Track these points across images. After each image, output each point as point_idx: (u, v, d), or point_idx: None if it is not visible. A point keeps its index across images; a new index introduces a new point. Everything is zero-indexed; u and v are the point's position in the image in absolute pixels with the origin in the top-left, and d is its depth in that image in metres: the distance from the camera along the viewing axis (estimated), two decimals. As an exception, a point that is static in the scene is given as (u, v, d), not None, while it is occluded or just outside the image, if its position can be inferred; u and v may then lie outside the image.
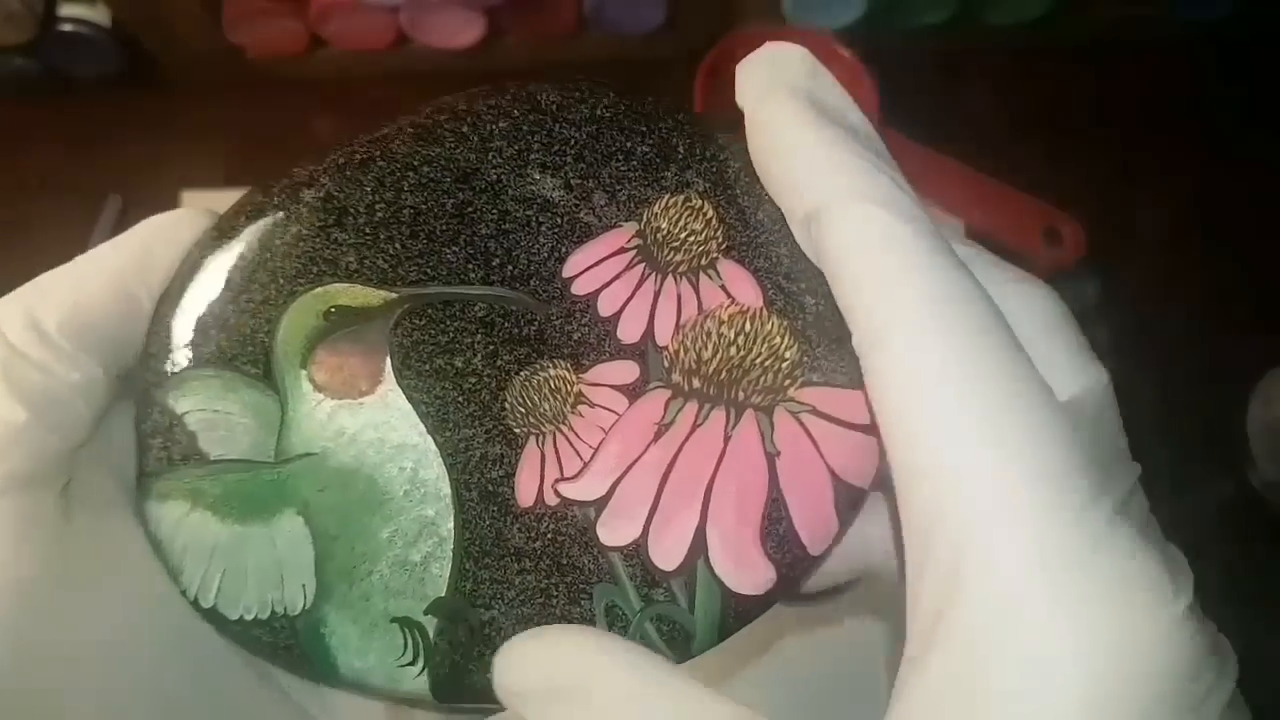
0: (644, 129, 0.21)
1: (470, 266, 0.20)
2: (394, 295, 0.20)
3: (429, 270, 0.20)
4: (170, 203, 0.56)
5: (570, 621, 0.19)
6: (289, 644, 0.19)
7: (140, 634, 0.19)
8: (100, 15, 0.56)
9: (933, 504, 0.15)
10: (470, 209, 0.20)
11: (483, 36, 0.57)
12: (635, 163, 0.20)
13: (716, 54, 0.54)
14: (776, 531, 0.19)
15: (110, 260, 0.19)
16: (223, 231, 0.20)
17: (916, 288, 0.15)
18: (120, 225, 0.57)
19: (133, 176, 0.58)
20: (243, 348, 0.20)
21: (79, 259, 0.19)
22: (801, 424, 0.19)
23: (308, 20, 0.56)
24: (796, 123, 0.18)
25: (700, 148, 0.21)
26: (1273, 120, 0.58)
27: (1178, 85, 0.59)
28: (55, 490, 0.18)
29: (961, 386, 0.15)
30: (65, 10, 0.55)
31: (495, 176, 0.20)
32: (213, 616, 0.19)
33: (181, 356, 0.20)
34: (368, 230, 0.20)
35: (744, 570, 0.19)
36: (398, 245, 0.20)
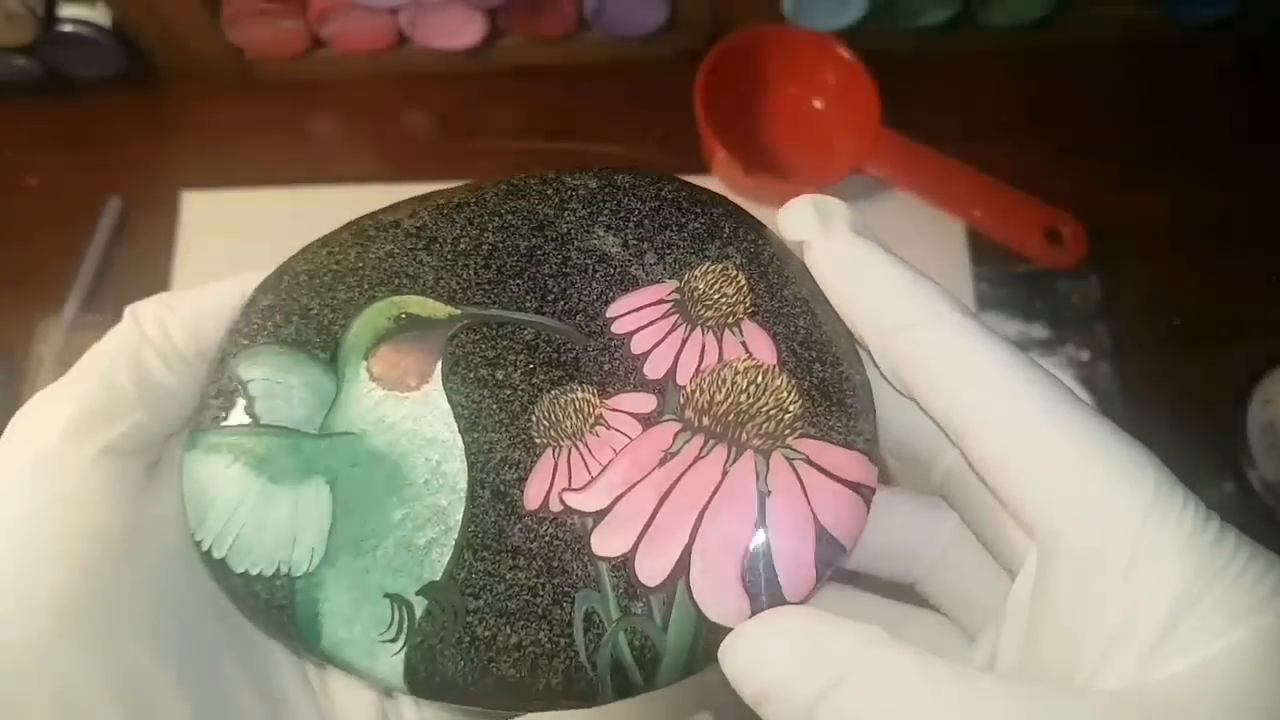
0: (698, 210, 0.23)
1: (528, 298, 0.22)
2: (458, 312, 0.22)
3: (493, 296, 0.22)
4: (170, 203, 0.56)
5: (548, 623, 0.20)
6: (282, 604, 0.21)
7: (189, 590, 0.21)
8: (100, 15, 0.56)
9: (1094, 538, 0.17)
10: (539, 252, 0.23)
11: (483, 37, 0.57)
12: (686, 234, 0.23)
13: (717, 54, 0.54)
14: (756, 567, 0.20)
15: (230, 290, 0.23)
16: (325, 242, 0.23)
17: (1019, 378, 0.19)
18: (120, 226, 0.57)
19: (133, 176, 0.58)
20: (317, 334, 0.22)
21: (205, 287, 0.23)
22: (794, 470, 0.21)
23: (307, 21, 0.56)
24: (870, 253, 0.21)
25: (744, 231, 0.23)
26: (1272, 120, 0.58)
27: (1177, 86, 0.59)
28: (146, 464, 0.22)
29: (1084, 448, 0.18)
30: (65, 10, 0.56)
31: (566, 229, 0.23)
32: (219, 568, 0.21)
33: (261, 334, 0.22)
34: (450, 257, 0.23)
35: (719, 597, 0.20)
36: (471, 272, 0.23)
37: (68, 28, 0.55)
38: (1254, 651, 0.16)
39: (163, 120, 0.60)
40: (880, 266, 0.21)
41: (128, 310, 0.22)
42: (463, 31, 0.57)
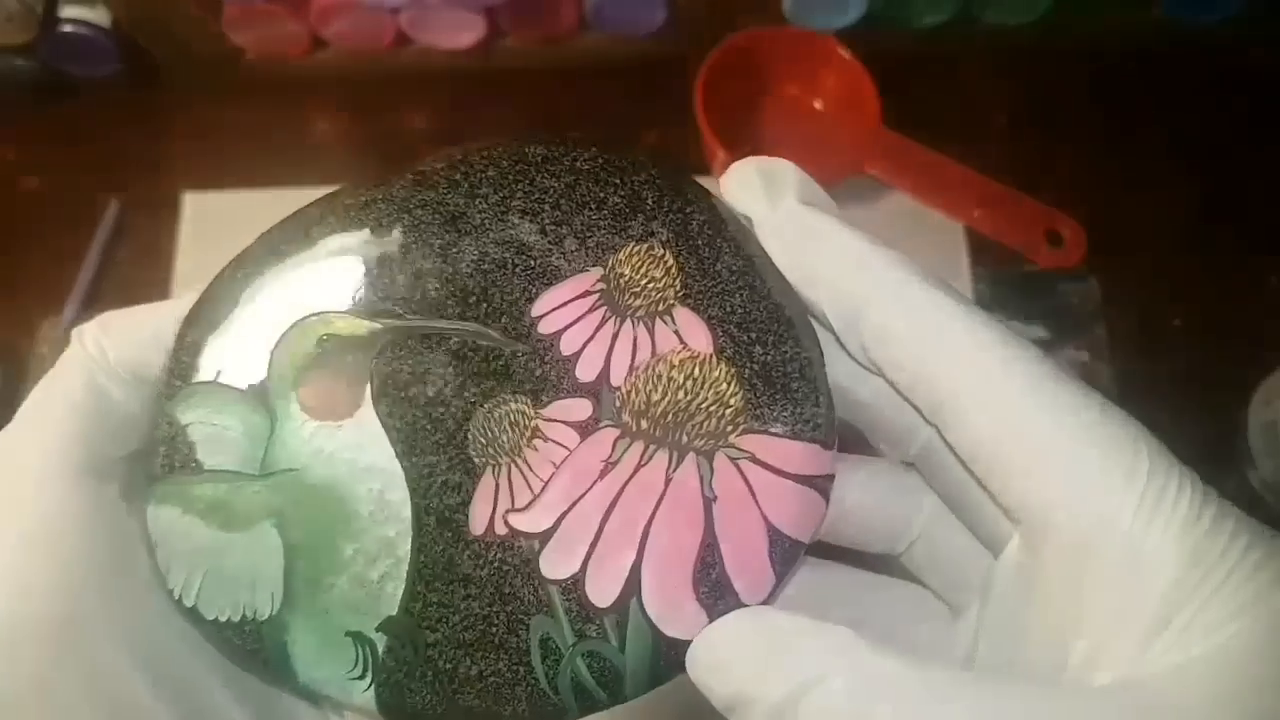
0: (617, 181, 0.22)
1: (449, 302, 0.21)
2: (379, 326, 0.21)
3: (413, 305, 0.21)
4: (170, 203, 0.56)
5: (505, 652, 0.20)
6: (255, 648, 0.20)
7: (168, 617, 0.21)
8: (100, 15, 0.56)
9: (1085, 526, 0.17)
10: (454, 249, 0.21)
11: (483, 37, 0.57)
12: (606, 212, 0.22)
13: (717, 54, 0.54)
14: (709, 577, 0.19)
15: (164, 312, 0.22)
16: (240, 263, 0.22)
17: (996, 353, 0.18)
18: (120, 226, 0.57)
19: (133, 177, 0.58)
20: (244, 368, 0.21)
21: (143, 307, 0.22)
22: (740, 470, 0.20)
23: (308, 21, 0.56)
24: (822, 225, 0.20)
25: (668, 201, 0.22)
26: (1272, 121, 0.58)
27: (1177, 86, 0.59)
28: (120, 487, 0.21)
29: (1072, 430, 0.17)
30: (65, 10, 0.56)
31: (479, 220, 0.22)
32: (192, 616, 0.20)
33: (192, 373, 0.21)
34: (362, 265, 0.21)
35: (674, 613, 0.19)
36: (387, 279, 0.21)
37: (68, 28, 0.55)
38: (1250, 648, 0.16)
39: (163, 120, 0.60)
40: (833, 239, 0.20)
41: (74, 332, 0.21)
42: (463, 31, 0.57)
